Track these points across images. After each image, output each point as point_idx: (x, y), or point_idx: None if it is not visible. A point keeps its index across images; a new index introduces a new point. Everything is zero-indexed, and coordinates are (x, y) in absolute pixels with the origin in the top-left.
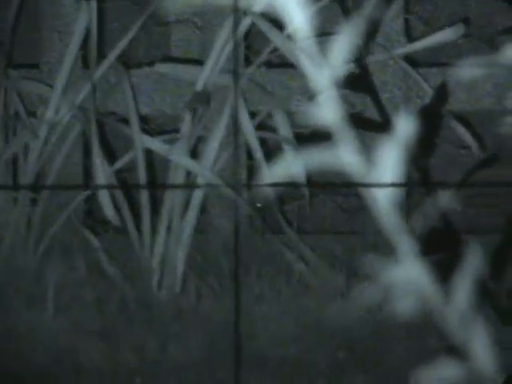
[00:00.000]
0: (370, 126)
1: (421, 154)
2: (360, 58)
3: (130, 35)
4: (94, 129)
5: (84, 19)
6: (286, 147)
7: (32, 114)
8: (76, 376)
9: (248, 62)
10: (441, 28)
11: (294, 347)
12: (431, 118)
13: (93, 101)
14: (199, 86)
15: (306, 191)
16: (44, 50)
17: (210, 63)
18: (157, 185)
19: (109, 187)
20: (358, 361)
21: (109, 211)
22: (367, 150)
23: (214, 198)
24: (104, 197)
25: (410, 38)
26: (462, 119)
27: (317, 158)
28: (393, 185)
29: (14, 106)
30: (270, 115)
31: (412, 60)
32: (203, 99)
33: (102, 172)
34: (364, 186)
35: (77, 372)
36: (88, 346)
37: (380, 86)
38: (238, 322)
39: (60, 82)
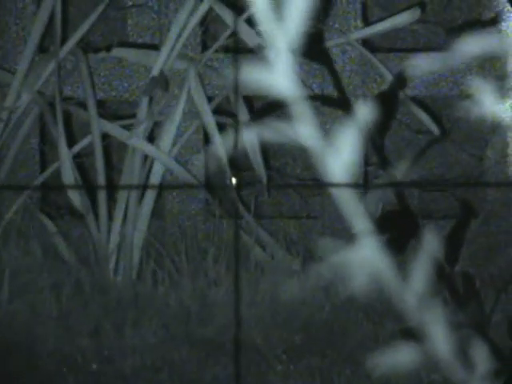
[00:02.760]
0: (328, 103)
1: (378, 136)
2: (319, 41)
3: (89, 20)
4: (58, 112)
5: (48, 3)
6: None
7: None
8: (31, 360)
9: (205, 46)
10: (397, 12)
11: (250, 331)
12: (389, 102)
13: (57, 85)
14: (156, 71)
15: (263, 176)
16: None
17: (166, 48)
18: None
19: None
20: (314, 344)
21: (74, 195)
22: (325, 127)
23: (171, 184)
24: (69, 181)
25: (367, 22)
26: (420, 104)
27: (274, 129)
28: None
29: None
30: (227, 100)
31: (370, 45)
32: (161, 83)
33: (65, 156)
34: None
35: (32, 356)
36: (44, 330)
37: (338, 69)
38: (192, 307)
39: (21, 66)
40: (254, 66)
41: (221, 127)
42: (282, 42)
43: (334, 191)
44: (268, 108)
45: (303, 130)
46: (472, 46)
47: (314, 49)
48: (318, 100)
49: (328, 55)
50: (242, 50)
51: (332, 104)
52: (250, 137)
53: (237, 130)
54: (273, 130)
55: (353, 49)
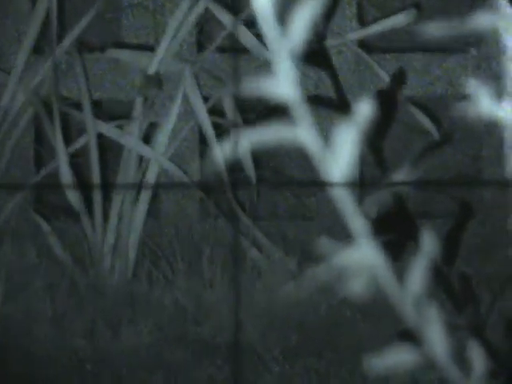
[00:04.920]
0: (327, 105)
1: (376, 137)
2: (319, 40)
3: (85, 20)
4: (55, 112)
5: (44, 3)
6: (233, 130)
7: None
8: (26, 361)
9: (200, 47)
10: (393, 13)
11: (247, 332)
12: (387, 103)
13: (55, 85)
14: (151, 71)
15: (253, 177)
16: None
17: (162, 48)
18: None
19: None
20: (311, 345)
21: (72, 196)
22: (325, 130)
23: (166, 184)
24: (67, 181)
25: (363, 23)
26: (418, 104)
27: (274, 134)
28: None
29: None
30: (221, 100)
31: (366, 46)
32: (155, 83)
33: (63, 155)
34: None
35: (27, 357)
36: (38, 332)
37: (335, 70)
38: (189, 308)
39: (17, 67)
40: (255, 70)
41: (216, 127)
42: (284, 47)
43: (332, 192)
44: (267, 111)
45: (302, 132)
46: (482, 19)
47: (313, 52)
48: (316, 101)
49: (327, 56)
50: (238, 51)
51: (330, 105)
52: (241, 139)
53: (231, 132)
54: (271, 132)
55: (349, 50)
